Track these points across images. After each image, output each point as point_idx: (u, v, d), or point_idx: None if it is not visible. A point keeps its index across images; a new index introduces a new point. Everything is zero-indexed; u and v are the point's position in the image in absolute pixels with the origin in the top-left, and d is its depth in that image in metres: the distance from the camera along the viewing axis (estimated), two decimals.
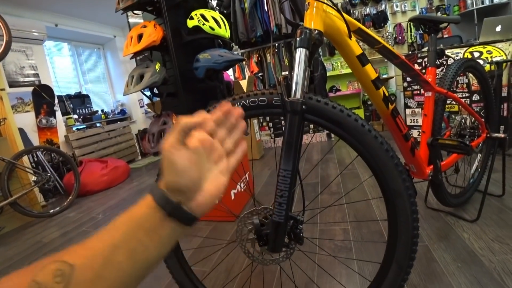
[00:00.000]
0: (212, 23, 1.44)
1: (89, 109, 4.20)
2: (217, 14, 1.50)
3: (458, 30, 3.72)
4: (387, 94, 0.80)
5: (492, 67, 2.11)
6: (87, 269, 0.28)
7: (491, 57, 2.21)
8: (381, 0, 3.71)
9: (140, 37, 1.40)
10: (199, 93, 1.60)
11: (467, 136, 1.34)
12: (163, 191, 0.32)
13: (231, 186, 1.63)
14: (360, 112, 3.84)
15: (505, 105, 2.17)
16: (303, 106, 0.58)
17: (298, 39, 0.60)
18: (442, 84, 1.13)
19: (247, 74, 3.48)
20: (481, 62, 2.22)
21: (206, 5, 1.69)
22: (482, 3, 3.38)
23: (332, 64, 4.11)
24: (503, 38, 2.32)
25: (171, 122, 1.41)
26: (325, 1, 0.66)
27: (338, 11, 0.68)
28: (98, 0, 3.61)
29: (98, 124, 3.98)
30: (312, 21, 0.64)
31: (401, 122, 0.85)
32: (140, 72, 1.36)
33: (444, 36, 3.73)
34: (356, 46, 0.73)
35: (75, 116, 3.88)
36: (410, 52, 3.78)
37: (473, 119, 1.37)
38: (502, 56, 2.18)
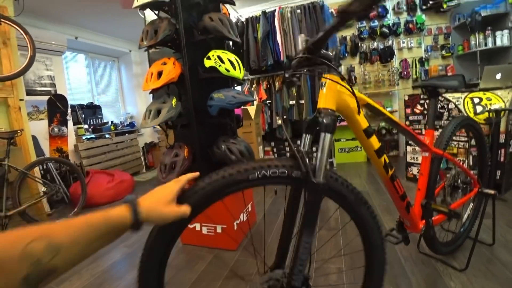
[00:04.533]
0: (227, 65, 1.55)
1: (99, 120, 4.33)
2: (232, 56, 1.62)
3: (461, 69, 3.84)
4: (387, 161, 0.89)
5: (491, 114, 2.20)
6: (69, 250, 0.40)
7: (490, 104, 2.30)
8: (389, 36, 3.86)
9: (159, 74, 1.52)
10: (211, 127, 1.70)
11: (460, 190, 1.42)
12: (142, 217, 0.50)
13: (234, 217, 1.71)
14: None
15: (503, 151, 2.25)
16: (325, 187, 0.65)
17: (323, 123, 0.67)
18: (439, 145, 1.20)
19: (256, 98, 3.60)
20: (480, 108, 2.32)
21: (223, 44, 1.81)
22: (485, 45, 3.51)
23: None
24: (503, 85, 2.41)
25: (182, 155, 1.50)
26: (340, 82, 0.74)
27: (352, 92, 0.76)
28: (118, 16, 3.78)
29: (106, 135, 4.09)
30: (328, 100, 0.72)
31: (398, 185, 0.94)
32: (157, 107, 1.47)
33: (448, 74, 3.87)
34: (363, 121, 0.81)
35: (86, 126, 4.01)
36: (414, 88, 3.90)
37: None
38: (500, 103, 2.26)
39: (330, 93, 0.72)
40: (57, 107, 3.50)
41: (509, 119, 2.25)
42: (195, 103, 1.64)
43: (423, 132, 2.71)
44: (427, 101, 2.63)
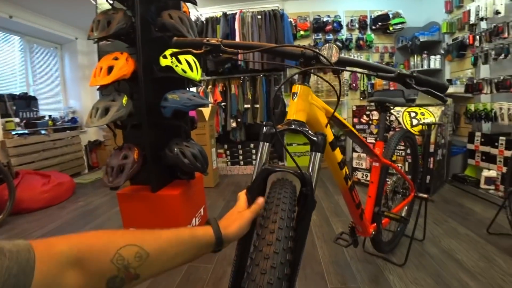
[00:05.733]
0: (184, 65, 1.50)
1: (35, 113, 3.84)
2: (190, 57, 1.57)
3: (401, 86, 4.26)
4: (347, 173, 0.95)
5: (424, 127, 2.49)
6: (155, 260, 0.41)
7: (424, 118, 2.60)
8: (341, 49, 4.13)
9: (110, 69, 1.40)
10: (163, 129, 1.62)
11: (400, 195, 1.57)
12: (222, 239, 0.49)
13: (186, 222, 1.65)
14: None
15: (432, 159, 2.57)
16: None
17: (315, 142, 0.65)
18: (386, 155, 1.30)
19: (211, 100, 3.55)
20: (415, 121, 2.61)
21: None
22: (422, 66, 3.96)
23: None
24: (434, 103, 2.76)
25: (132, 157, 1.40)
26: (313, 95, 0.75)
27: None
28: None
29: (43, 131, 3.65)
30: (299, 112, 0.69)
31: (355, 195, 1.02)
32: (105, 105, 1.35)
33: (391, 88, 4.28)
34: (329, 134, 0.82)
35: (17, 120, 3.51)
36: (361, 99, 4.23)
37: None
38: (432, 118, 2.58)
39: (303, 104, 0.70)
40: None
41: (438, 132, 2.58)
42: (147, 103, 1.55)
43: (367, 140, 2.96)
44: (372, 112, 2.87)
